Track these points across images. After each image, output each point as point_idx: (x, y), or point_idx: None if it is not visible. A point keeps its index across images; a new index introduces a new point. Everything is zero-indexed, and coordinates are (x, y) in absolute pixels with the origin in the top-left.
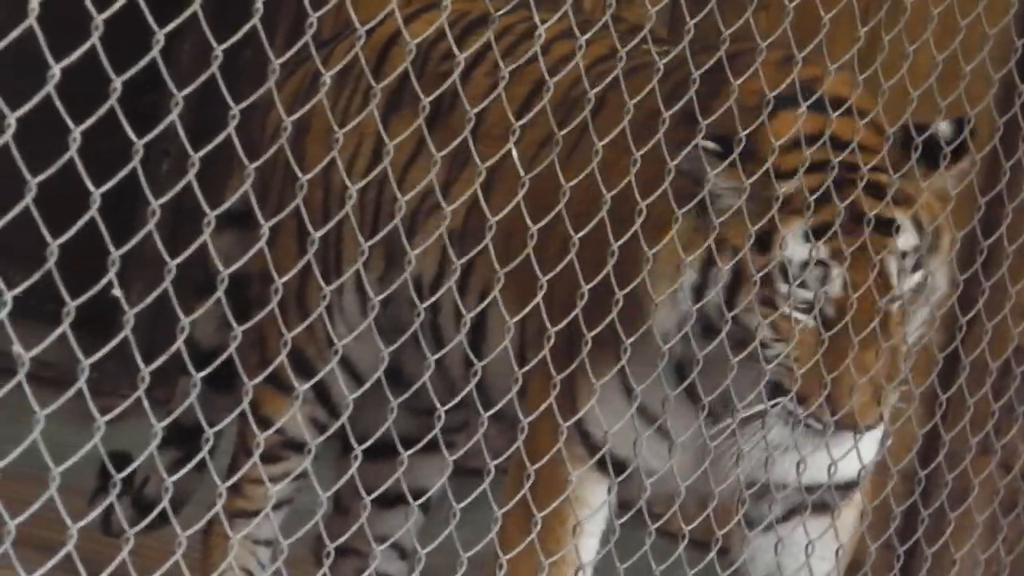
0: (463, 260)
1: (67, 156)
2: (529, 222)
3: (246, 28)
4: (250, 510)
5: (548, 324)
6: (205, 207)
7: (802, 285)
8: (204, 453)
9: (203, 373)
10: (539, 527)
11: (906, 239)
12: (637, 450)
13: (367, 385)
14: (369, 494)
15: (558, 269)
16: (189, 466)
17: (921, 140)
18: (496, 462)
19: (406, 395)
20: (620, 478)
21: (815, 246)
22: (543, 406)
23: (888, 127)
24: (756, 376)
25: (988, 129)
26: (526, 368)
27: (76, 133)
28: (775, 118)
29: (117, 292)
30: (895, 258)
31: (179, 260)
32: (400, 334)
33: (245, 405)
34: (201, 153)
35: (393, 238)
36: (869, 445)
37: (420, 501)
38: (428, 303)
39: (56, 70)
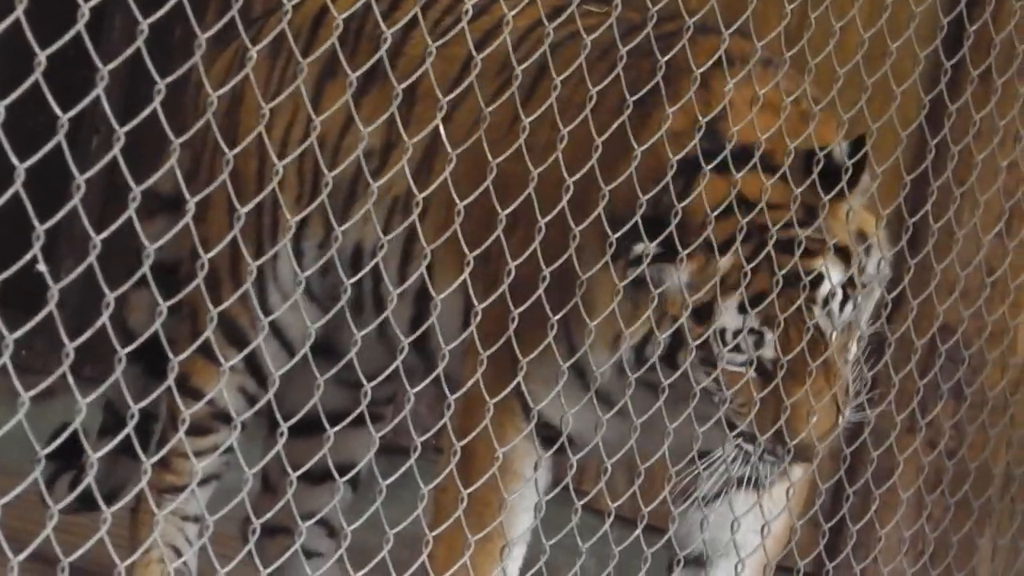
0: (398, 231)
1: None
2: (456, 199)
3: (172, 3)
4: (179, 485)
5: (475, 301)
6: (131, 182)
7: (737, 349)
8: (129, 429)
9: (128, 349)
10: (473, 502)
11: (834, 276)
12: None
13: (293, 362)
14: (297, 471)
15: (488, 245)
16: (114, 442)
17: (819, 168)
18: (423, 439)
19: (332, 372)
20: (552, 450)
21: (748, 316)
22: (475, 379)
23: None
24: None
25: (914, 107)
26: (465, 337)
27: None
28: (698, 185)
29: (42, 267)
30: (823, 312)
31: (104, 235)
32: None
33: (171, 380)
34: (126, 128)
35: (332, 204)
36: None
37: (348, 477)
38: (364, 273)
39: None
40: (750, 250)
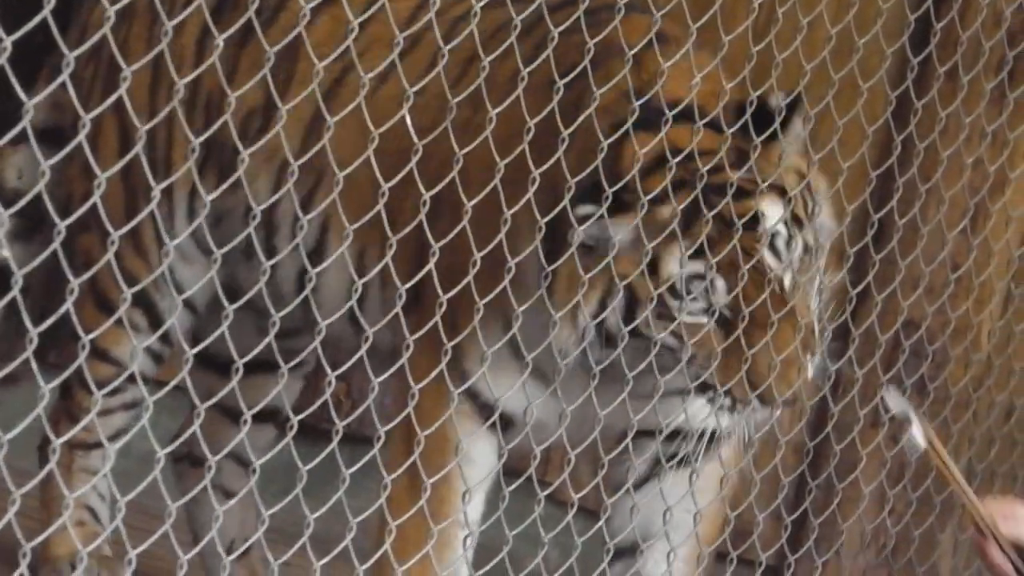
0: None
1: None
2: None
3: None
4: (89, 442)
5: (398, 282)
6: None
7: (692, 299)
8: (29, 353)
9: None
10: (420, 487)
11: (773, 215)
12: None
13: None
14: (222, 409)
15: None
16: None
17: (751, 113)
18: (340, 425)
19: (240, 303)
20: (488, 423)
21: (694, 263)
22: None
23: (725, 118)
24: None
25: (881, 103)
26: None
27: None
28: (631, 142)
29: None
30: (768, 251)
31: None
32: (236, 253)
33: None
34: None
35: (222, 154)
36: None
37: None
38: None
39: None
40: (685, 196)
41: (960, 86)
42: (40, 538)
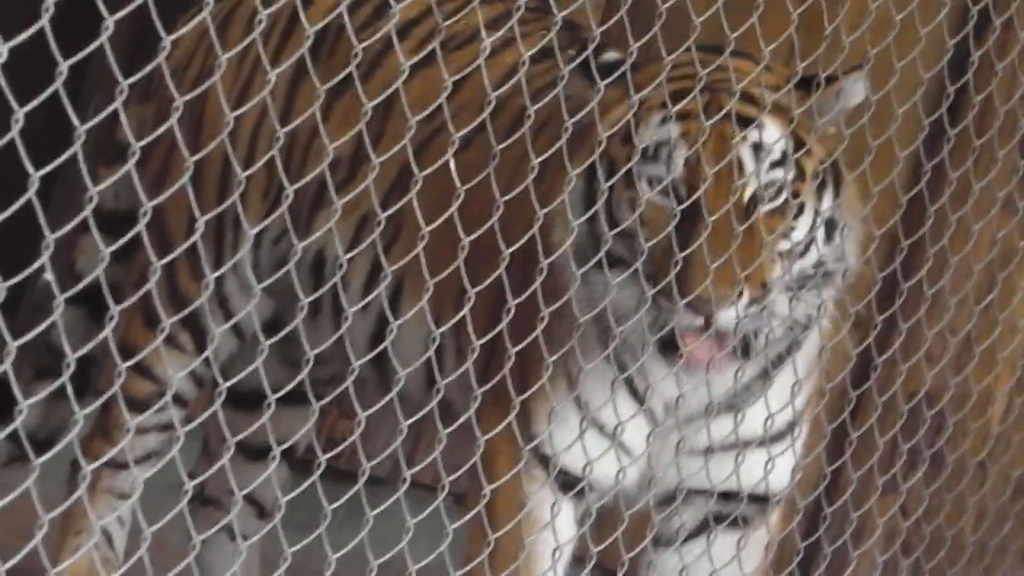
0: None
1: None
2: (422, 222)
3: None
4: (119, 460)
5: (472, 337)
6: (76, 121)
7: (657, 163)
8: (65, 378)
9: (68, 294)
10: (495, 550)
11: (768, 135)
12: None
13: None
14: (235, 445)
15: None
16: (47, 392)
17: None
18: (367, 465)
19: (276, 338)
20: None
21: (668, 127)
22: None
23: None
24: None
25: (914, 129)
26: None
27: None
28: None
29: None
30: (750, 151)
31: (45, 171)
32: (293, 293)
33: (115, 351)
34: (69, 62)
35: (294, 205)
36: (782, 469)
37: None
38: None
39: None
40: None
41: (996, 116)
42: (59, 568)
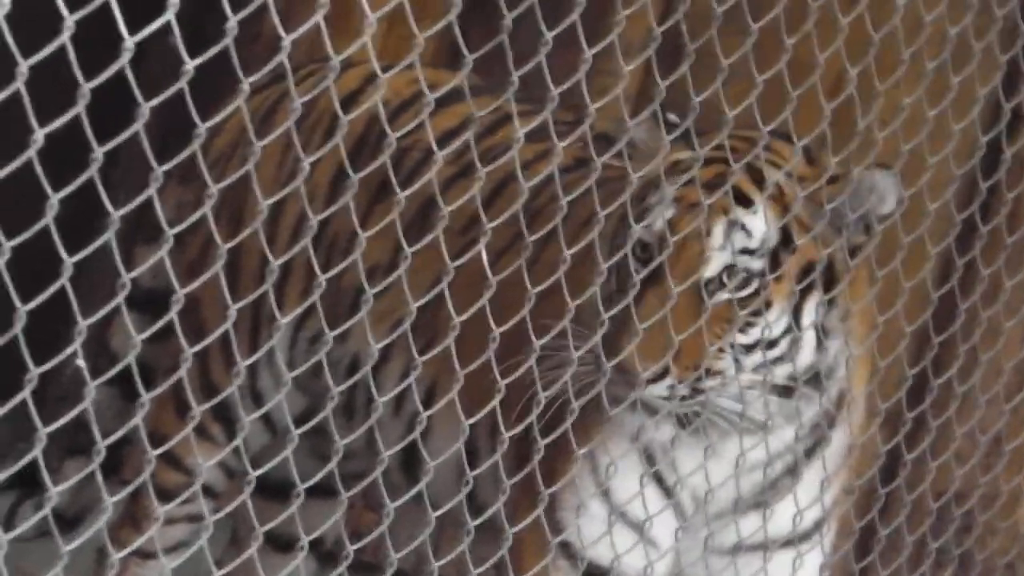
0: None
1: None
2: (453, 313)
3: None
4: (148, 550)
5: (503, 428)
6: (109, 207)
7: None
8: (95, 465)
9: (99, 380)
10: None
11: (752, 220)
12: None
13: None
14: (263, 536)
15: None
16: (77, 478)
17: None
18: (395, 557)
19: (307, 426)
20: None
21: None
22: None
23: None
24: None
25: (946, 225)
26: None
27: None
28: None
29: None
30: (723, 228)
31: (77, 258)
32: (326, 391)
33: (146, 443)
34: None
35: (336, 296)
36: (810, 568)
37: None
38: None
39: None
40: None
41: None
42: None
